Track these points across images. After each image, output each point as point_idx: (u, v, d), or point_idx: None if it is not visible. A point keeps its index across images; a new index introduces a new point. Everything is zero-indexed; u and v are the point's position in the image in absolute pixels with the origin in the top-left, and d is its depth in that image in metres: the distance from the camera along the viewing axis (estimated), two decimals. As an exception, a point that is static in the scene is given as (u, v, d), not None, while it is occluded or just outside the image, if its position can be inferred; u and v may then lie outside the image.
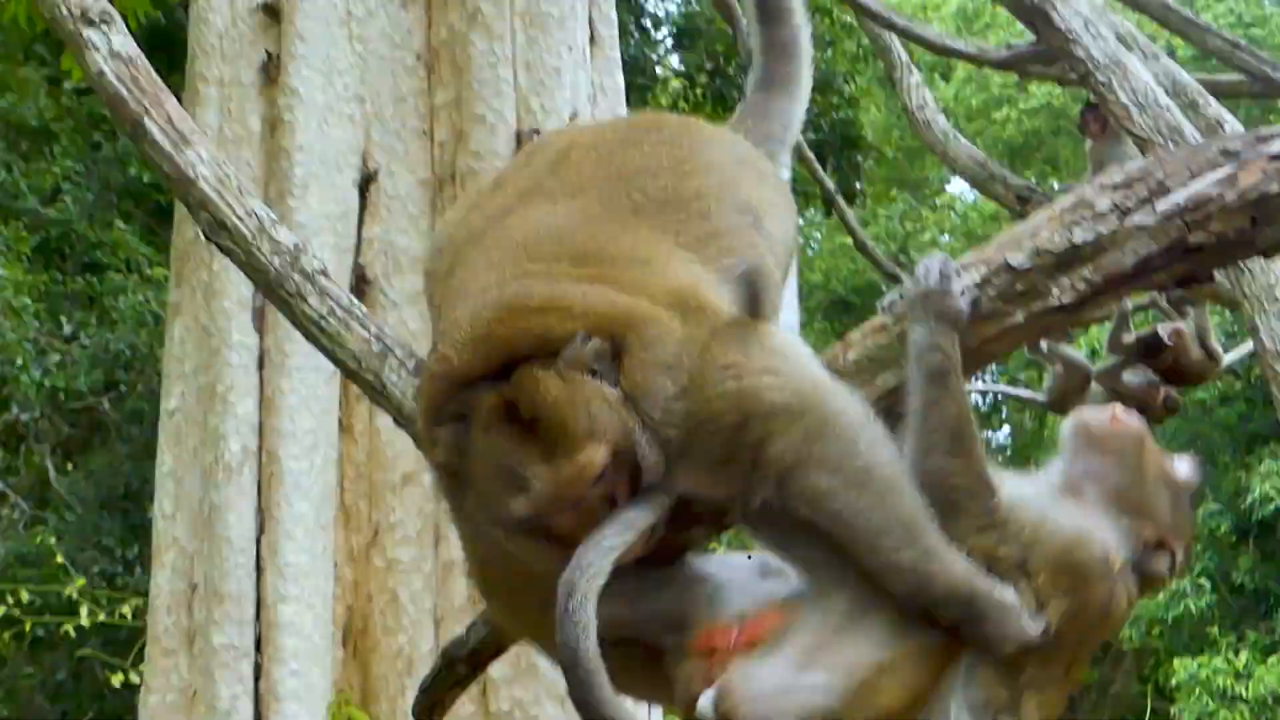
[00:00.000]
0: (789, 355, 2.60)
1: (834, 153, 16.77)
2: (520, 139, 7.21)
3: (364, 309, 3.08)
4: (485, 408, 2.54)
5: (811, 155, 11.36)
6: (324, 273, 3.08)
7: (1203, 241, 2.41)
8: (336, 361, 2.98)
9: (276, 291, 3.11)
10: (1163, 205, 2.43)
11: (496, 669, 6.46)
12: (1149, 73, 4.82)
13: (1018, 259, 2.50)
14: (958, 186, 36.32)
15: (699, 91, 16.86)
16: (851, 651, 2.67)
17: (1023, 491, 2.74)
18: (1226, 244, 2.44)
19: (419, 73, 7.63)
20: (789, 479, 2.53)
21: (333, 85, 7.35)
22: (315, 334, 3.04)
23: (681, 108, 16.94)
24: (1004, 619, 2.59)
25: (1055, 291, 2.55)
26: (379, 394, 2.99)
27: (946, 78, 33.21)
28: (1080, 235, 2.41)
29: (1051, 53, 5.19)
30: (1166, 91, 4.78)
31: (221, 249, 3.11)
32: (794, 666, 2.66)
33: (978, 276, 2.53)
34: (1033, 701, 2.73)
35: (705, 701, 2.67)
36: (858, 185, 18.28)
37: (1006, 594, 2.59)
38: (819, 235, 34.87)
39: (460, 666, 2.82)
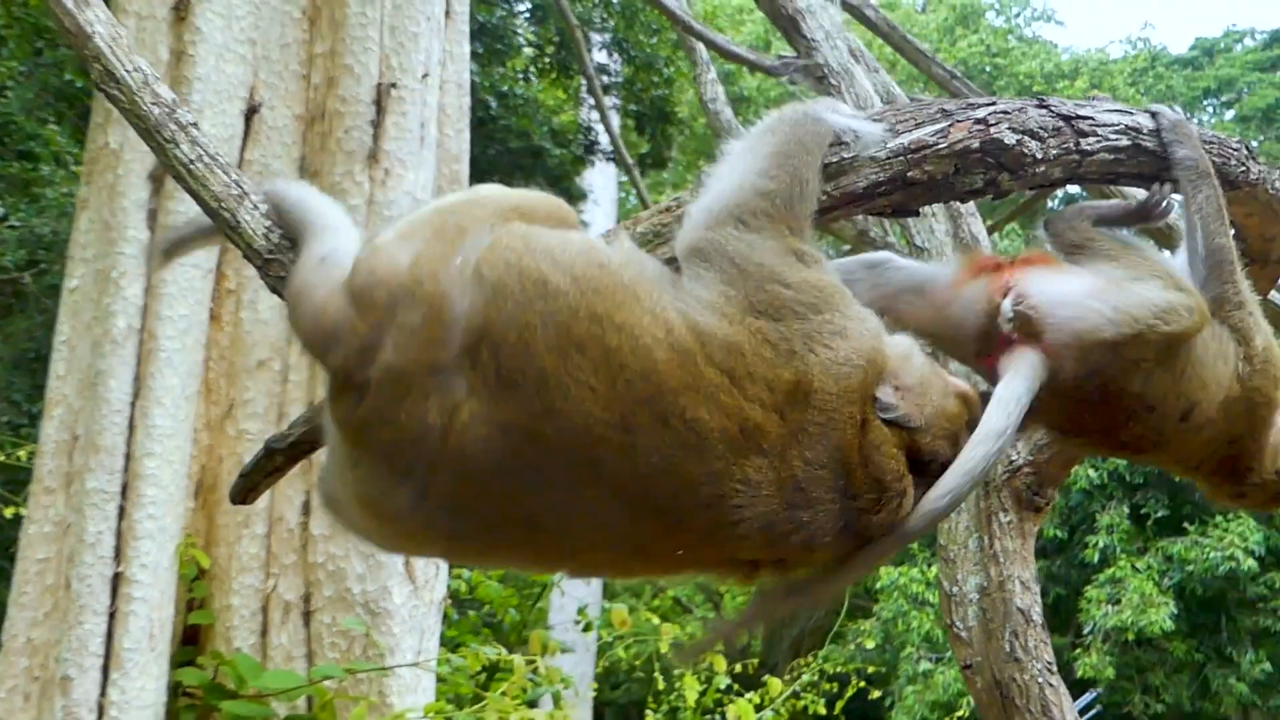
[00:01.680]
0: None
1: (650, 124, 16.91)
2: (380, 90, 7.23)
3: (226, 159, 3.05)
4: None
5: (615, 127, 11.30)
6: (195, 125, 3.07)
7: (918, 178, 2.50)
8: (199, 200, 2.94)
9: (154, 136, 2.98)
10: (892, 144, 2.52)
11: (316, 527, 6.59)
12: (870, 83, 4.98)
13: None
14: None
15: (546, 60, 16.84)
16: (1132, 299, 2.60)
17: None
18: (934, 184, 2.53)
19: (303, 25, 7.66)
20: None
21: (230, 28, 7.34)
22: (184, 175, 2.93)
23: (531, 72, 16.92)
24: None
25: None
26: (234, 230, 2.89)
27: (754, 71, 33.31)
28: (831, 157, 2.49)
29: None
30: (882, 99, 4.97)
31: (109, 97, 3.06)
32: (1082, 293, 2.62)
33: None
34: None
35: (1007, 304, 2.62)
36: (669, 154, 18.40)
37: None
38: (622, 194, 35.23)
39: (278, 458, 2.83)
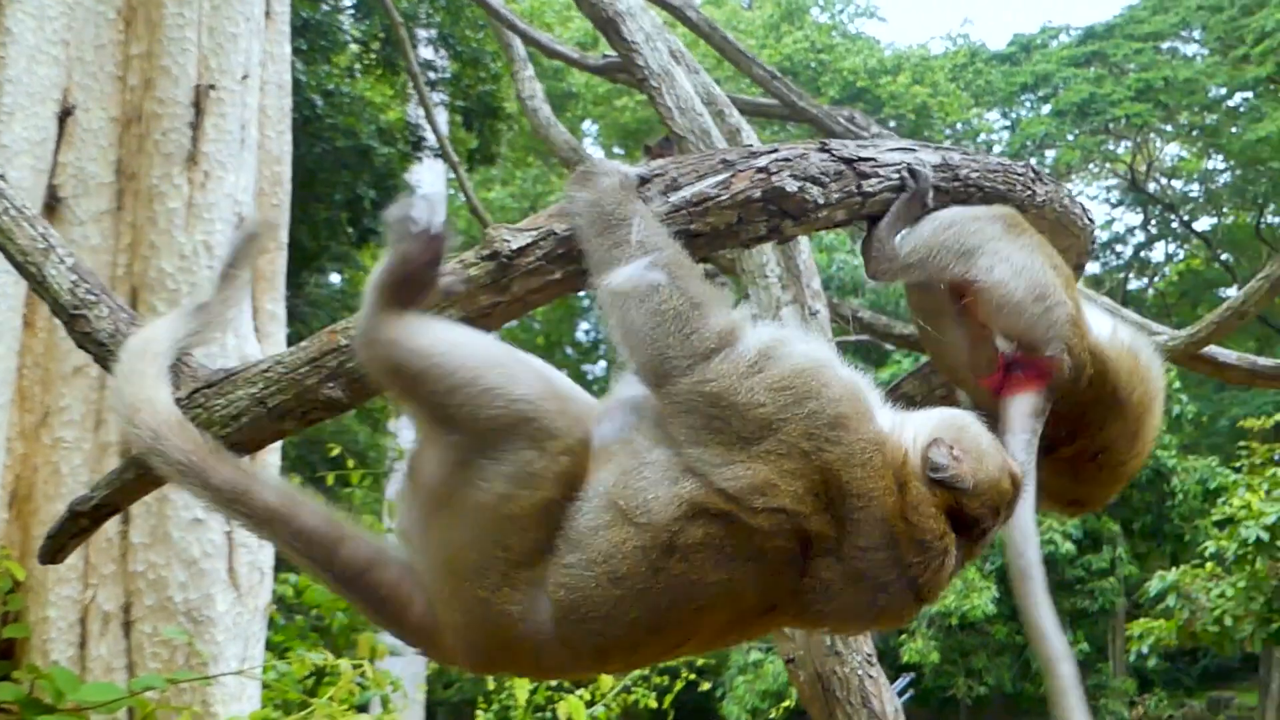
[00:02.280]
0: None
1: (478, 120, 16.88)
2: (199, 92, 7.15)
3: (33, 211, 3.00)
4: None
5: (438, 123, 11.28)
6: (2, 177, 3.03)
7: (701, 230, 2.52)
8: (6, 254, 2.93)
9: (-44, 190, 2.99)
10: (674, 198, 2.53)
11: (136, 535, 6.49)
12: (691, 84, 5.05)
13: (561, 227, 2.54)
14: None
15: (372, 56, 16.69)
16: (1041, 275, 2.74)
17: None
18: (718, 234, 2.55)
19: (118, 25, 7.49)
20: None
21: (43, 29, 7.17)
22: (-12, 228, 2.96)
23: (356, 68, 16.75)
24: None
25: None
26: (40, 285, 2.86)
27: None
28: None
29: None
30: (702, 100, 5.05)
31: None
32: (1024, 292, 2.72)
33: (529, 239, 2.55)
34: None
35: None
36: (497, 150, 18.38)
37: None
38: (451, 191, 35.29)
39: (83, 520, 2.83)
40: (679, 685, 9.64)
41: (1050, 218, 2.88)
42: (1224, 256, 41.29)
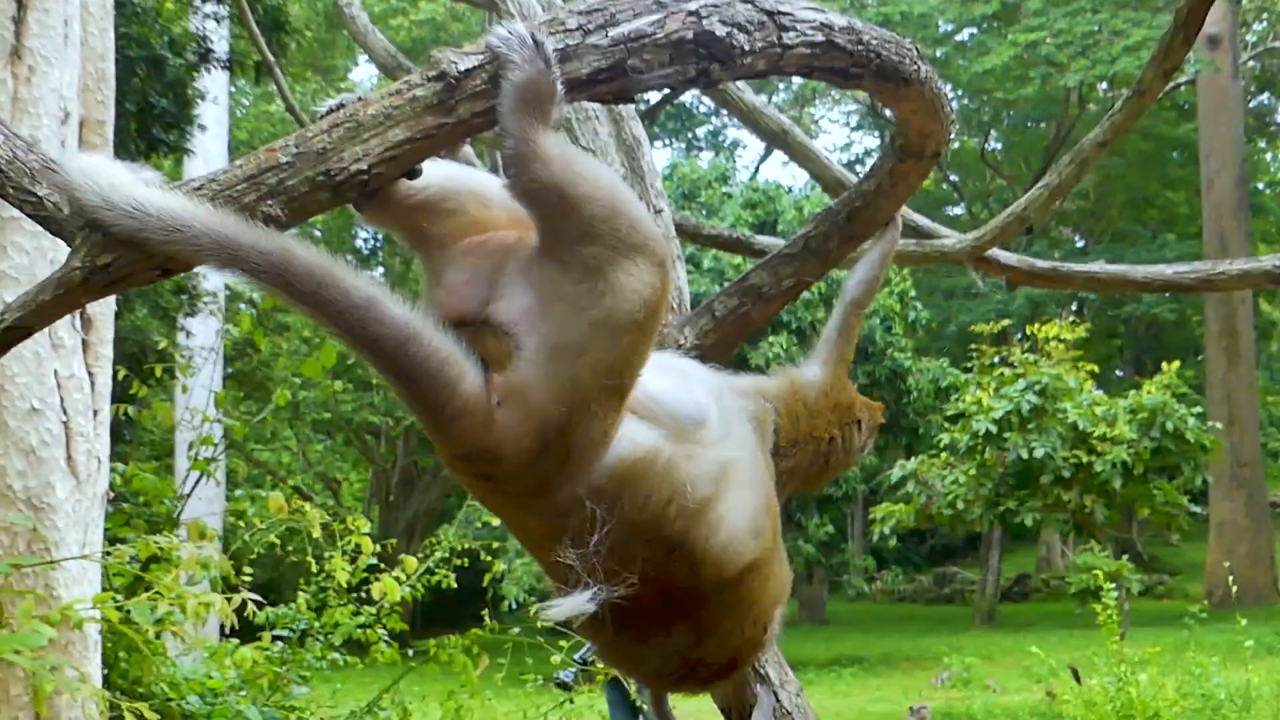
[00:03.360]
0: None
1: (265, 34, 16.39)
2: None
3: None
4: None
5: (258, 31, 11.00)
6: None
7: (636, 65, 2.44)
8: None
9: None
10: (614, 32, 2.44)
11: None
12: None
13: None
14: (358, 75, 36.29)
15: None
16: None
17: None
18: (650, 72, 2.47)
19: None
20: None
21: None
22: None
23: None
24: None
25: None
26: None
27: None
28: (552, 44, 2.36)
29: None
30: (543, 7, 4.91)
31: None
32: None
33: (475, 62, 2.40)
34: None
35: None
36: (282, 62, 17.89)
37: None
38: (248, 100, 34.16)
39: None
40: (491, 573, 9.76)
41: (928, 97, 2.91)
42: (953, 177, 42.99)
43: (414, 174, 2.45)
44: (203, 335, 18.25)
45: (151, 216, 2.12)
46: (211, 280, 16.17)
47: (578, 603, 2.34)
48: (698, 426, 2.47)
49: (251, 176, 2.36)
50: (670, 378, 2.50)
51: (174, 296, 16.42)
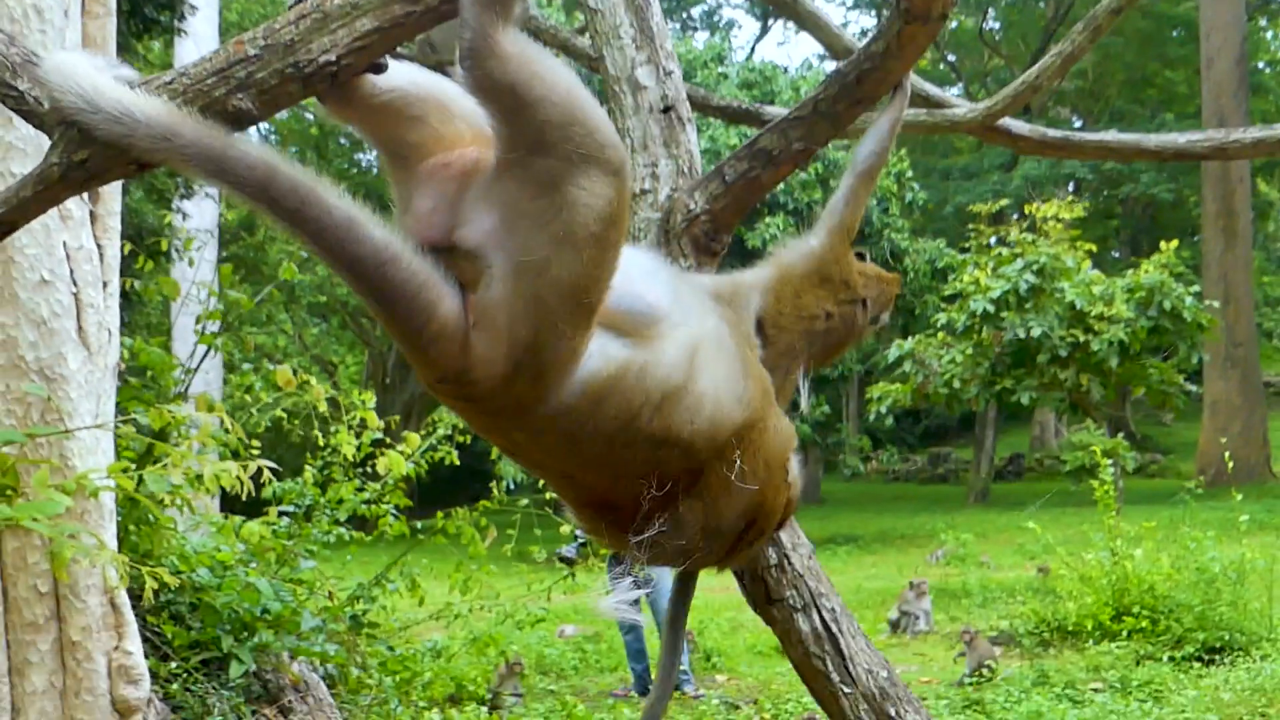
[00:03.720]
0: None
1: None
2: None
3: None
4: None
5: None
6: None
7: None
8: None
9: None
10: None
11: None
12: None
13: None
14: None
15: None
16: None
17: None
18: None
19: None
20: None
21: None
22: None
23: None
24: None
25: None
26: None
27: None
28: None
29: None
30: None
31: None
32: None
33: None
34: None
35: None
36: None
37: None
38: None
39: None
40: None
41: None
42: (950, 57, 42.53)
43: (380, 68, 2.40)
44: (198, 218, 18.15)
45: (140, 124, 2.09)
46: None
47: (625, 595, 2.51)
48: (655, 321, 2.46)
49: (220, 70, 2.33)
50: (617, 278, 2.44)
51: (169, 179, 16.30)
